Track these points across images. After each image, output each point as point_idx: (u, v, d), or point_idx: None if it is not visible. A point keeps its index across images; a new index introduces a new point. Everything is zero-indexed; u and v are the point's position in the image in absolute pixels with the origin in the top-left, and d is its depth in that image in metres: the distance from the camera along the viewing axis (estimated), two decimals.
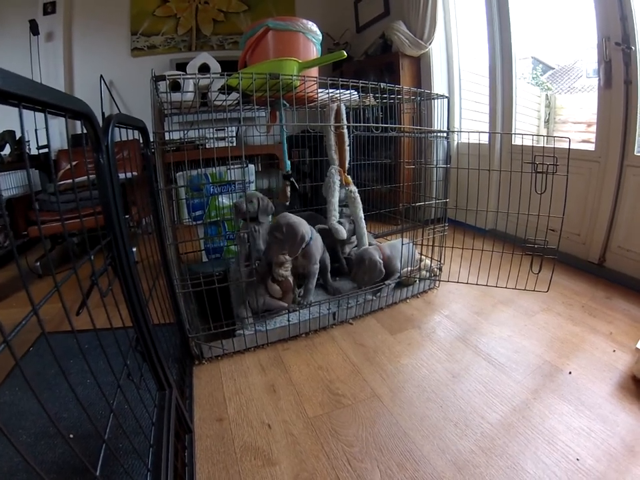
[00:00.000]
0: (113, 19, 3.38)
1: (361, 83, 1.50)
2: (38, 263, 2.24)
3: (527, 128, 2.79)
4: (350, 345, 1.42)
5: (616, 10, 1.71)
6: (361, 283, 1.63)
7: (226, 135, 3.16)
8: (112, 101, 3.36)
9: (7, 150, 2.98)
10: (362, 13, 3.33)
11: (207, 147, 2.89)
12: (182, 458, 0.89)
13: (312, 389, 1.19)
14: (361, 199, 1.78)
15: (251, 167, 2.22)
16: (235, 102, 1.53)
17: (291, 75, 1.32)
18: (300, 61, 1.38)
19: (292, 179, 1.68)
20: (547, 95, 3.12)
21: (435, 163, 1.85)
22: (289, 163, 1.65)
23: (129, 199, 2.34)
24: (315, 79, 1.43)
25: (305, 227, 1.47)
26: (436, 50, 2.68)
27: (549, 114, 3.00)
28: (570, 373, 1.19)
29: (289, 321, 1.44)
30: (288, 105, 1.60)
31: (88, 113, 0.60)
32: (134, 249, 1.43)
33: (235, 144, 3.24)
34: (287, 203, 1.77)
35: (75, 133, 3.35)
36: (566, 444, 0.93)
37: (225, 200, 2.21)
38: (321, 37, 1.59)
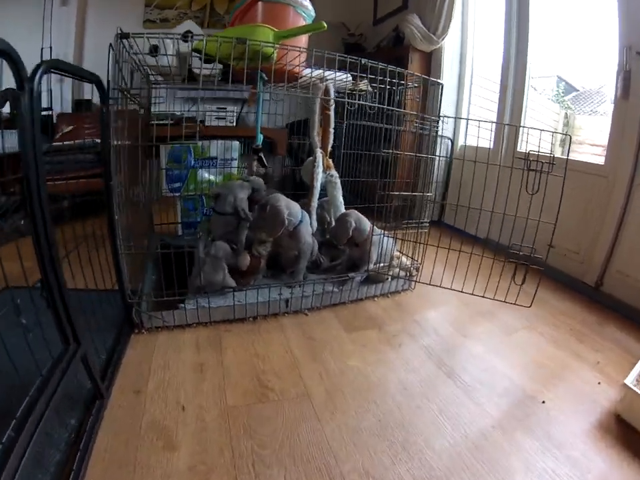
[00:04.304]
0: None
1: (349, 58, 1.36)
2: (22, 222, 2.14)
3: (540, 145, 2.62)
4: (297, 336, 1.25)
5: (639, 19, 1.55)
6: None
7: (225, 115, 3.06)
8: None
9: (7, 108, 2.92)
10: (381, 6, 3.22)
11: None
12: (85, 423, 0.84)
13: (241, 376, 1.06)
14: (351, 190, 1.63)
15: (235, 143, 2.08)
16: (216, 73, 1.41)
17: (260, 42, 1.18)
18: (275, 30, 1.26)
19: (261, 154, 1.53)
20: (566, 113, 2.95)
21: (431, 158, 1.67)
22: (261, 136, 1.53)
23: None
24: (298, 49, 1.28)
25: (293, 209, 1.40)
26: (448, 49, 2.54)
27: (566, 133, 2.84)
28: (543, 402, 1.00)
29: (234, 300, 1.30)
30: (266, 76, 1.45)
31: (5, 49, 0.55)
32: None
33: (235, 124, 3.13)
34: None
35: (79, 98, 3.29)
36: None
37: (205, 174, 2.09)
38: (313, 13, 1.48)
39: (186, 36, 1.63)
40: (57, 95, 3.20)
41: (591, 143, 2.65)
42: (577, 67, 2.94)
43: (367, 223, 1.53)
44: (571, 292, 1.73)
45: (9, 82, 0.62)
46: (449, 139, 2.51)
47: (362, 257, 1.53)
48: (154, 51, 1.32)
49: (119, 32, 1.12)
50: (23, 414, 0.62)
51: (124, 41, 1.11)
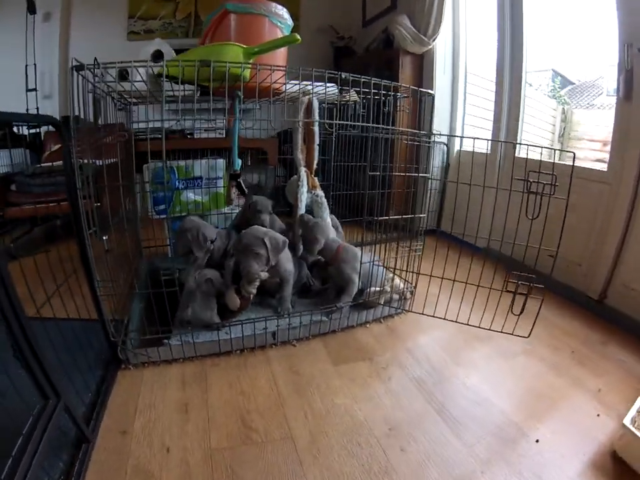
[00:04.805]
0: (112, 1, 3.27)
1: (328, 72, 1.29)
2: (12, 245, 2.15)
3: (539, 141, 2.53)
4: (283, 370, 1.22)
5: None
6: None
7: (215, 126, 3.03)
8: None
9: None
10: (369, 7, 3.12)
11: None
12: (74, 466, 0.85)
13: (225, 416, 1.03)
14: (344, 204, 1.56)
15: (220, 162, 2.03)
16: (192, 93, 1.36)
17: (226, 62, 1.11)
18: (245, 47, 1.19)
19: (240, 180, 1.48)
20: (563, 108, 2.85)
21: (429, 171, 1.61)
22: (239, 161, 1.46)
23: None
24: (269, 68, 1.21)
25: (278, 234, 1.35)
26: (440, 49, 2.45)
27: (564, 129, 2.73)
28: (537, 441, 0.95)
29: (218, 335, 1.27)
30: (241, 95, 1.40)
31: None
32: (105, 237, 1.40)
33: (224, 135, 3.09)
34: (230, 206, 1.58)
35: (65, 115, 3.27)
36: None
37: (191, 195, 2.06)
38: (290, 23, 1.41)
39: (157, 56, 1.59)
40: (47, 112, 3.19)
41: (589, 138, 2.56)
42: (572, 60, 2.84)
43: (336, 241, 1.49)
44: (573, 306, 1.66)
45: None
46: (444, 144, 2.43)
47: (340, 277, 1.46)
48: (124, 75, 1.27)
49: (73, 64, 1.06)
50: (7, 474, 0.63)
51: (82, 72, 1.05)
